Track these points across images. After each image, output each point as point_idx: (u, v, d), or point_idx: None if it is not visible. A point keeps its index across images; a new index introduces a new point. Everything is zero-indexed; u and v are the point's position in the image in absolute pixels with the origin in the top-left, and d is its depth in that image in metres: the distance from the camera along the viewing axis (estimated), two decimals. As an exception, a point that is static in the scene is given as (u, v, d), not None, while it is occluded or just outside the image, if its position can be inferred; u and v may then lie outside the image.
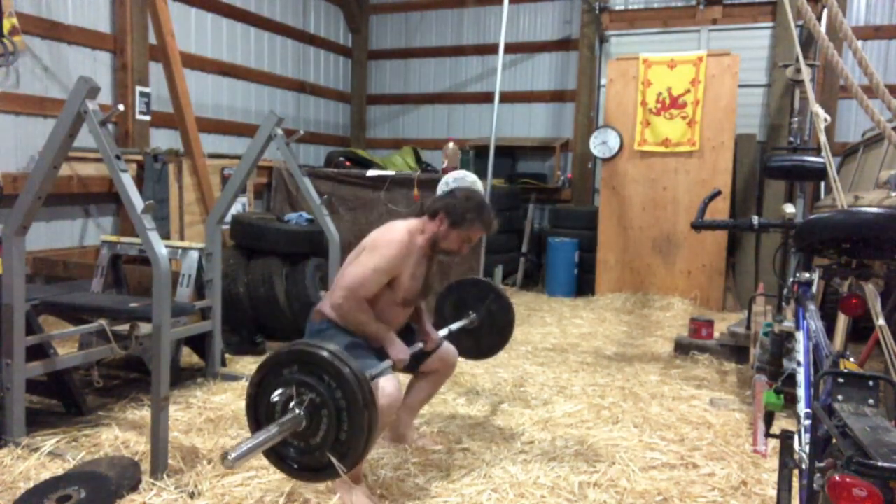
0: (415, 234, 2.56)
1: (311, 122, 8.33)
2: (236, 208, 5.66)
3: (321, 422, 1.85)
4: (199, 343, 3.85)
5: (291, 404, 1.85)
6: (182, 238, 5.40)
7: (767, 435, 2.17)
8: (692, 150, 6.35)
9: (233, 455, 1.65)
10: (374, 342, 2.51)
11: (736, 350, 4.44)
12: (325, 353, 1.86)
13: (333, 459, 1.84)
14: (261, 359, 4.13)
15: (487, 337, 3.15)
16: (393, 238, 2.49)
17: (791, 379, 1.98)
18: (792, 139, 6.11)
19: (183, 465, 2.59)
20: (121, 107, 2.70)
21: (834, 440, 1.34)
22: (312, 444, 1.87)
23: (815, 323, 1.98)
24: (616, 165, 6.65)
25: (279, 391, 1.87)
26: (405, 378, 2.88)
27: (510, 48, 7.30)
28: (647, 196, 6.57)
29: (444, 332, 2.89)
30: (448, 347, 2.86)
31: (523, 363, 4.32)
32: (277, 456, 1.93)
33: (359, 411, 1.83)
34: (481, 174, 5.67)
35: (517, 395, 3.65)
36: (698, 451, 2.93)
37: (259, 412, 1.94)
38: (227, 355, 4.10)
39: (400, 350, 2.49)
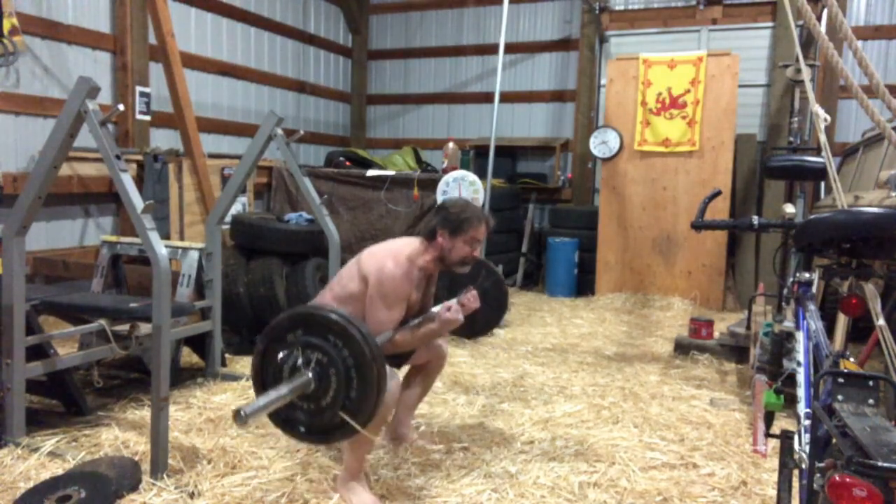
0: (415, 259, 2.57)
1: (311, 122, 8.33)
2: (236, 208, 5.66)
3: (330, 382, 1.86)
4: (199, 343, 3.85)
5: (298, 363, 1.87)
6: (182, 238, 5.40)
7: (767, 435, 2.17)
8: (692, 150, 6.35)
9: (247, 410, 1.66)
10: (428, 337, 2.60)
11: (736, 350, 4.43)
12: (328, 314, 1.88)
13: (346, 417, 1.85)
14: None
15: (482, 313, 3.13)
16: (396, 274, 2.47)
17: (791, 379, 1.98)
18: (792, 139, 6.12)
19: (183, 465, 2.59)
20: (121, 107, 2.70)
21: (834, 440, 1.34)
22: (323, 405, 1.88)
23: (815, 323, 1.98)
24: (616, 165, 6.65)
25: (284, 352, 1.89)
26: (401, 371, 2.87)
27: (510, 48, 7.30)
28: (647, 196, 6.57)
29: (438, 307, 2.86)
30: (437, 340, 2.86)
31: (523, 363, 4.32)
32: (286, 421, 1.93)
33: (367, 365, 1.84)
34: (481, 174, 5.72)
35: (517, 395, 3.65)
36: (698, 451, 2.93)
37: (266, 379, 1.94)
38: (227, 355, 4.10)
39: (444, 314, 2.51)
